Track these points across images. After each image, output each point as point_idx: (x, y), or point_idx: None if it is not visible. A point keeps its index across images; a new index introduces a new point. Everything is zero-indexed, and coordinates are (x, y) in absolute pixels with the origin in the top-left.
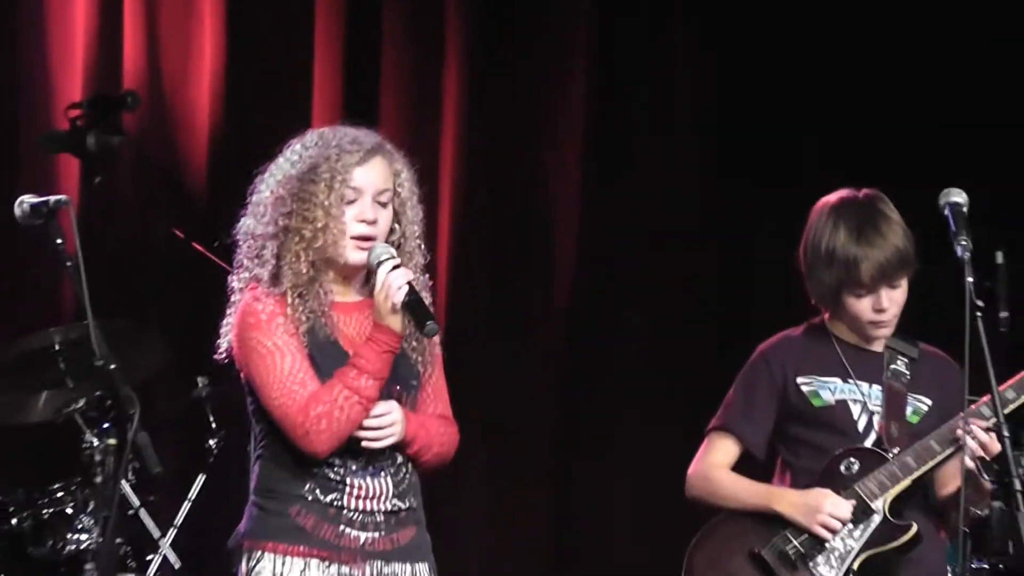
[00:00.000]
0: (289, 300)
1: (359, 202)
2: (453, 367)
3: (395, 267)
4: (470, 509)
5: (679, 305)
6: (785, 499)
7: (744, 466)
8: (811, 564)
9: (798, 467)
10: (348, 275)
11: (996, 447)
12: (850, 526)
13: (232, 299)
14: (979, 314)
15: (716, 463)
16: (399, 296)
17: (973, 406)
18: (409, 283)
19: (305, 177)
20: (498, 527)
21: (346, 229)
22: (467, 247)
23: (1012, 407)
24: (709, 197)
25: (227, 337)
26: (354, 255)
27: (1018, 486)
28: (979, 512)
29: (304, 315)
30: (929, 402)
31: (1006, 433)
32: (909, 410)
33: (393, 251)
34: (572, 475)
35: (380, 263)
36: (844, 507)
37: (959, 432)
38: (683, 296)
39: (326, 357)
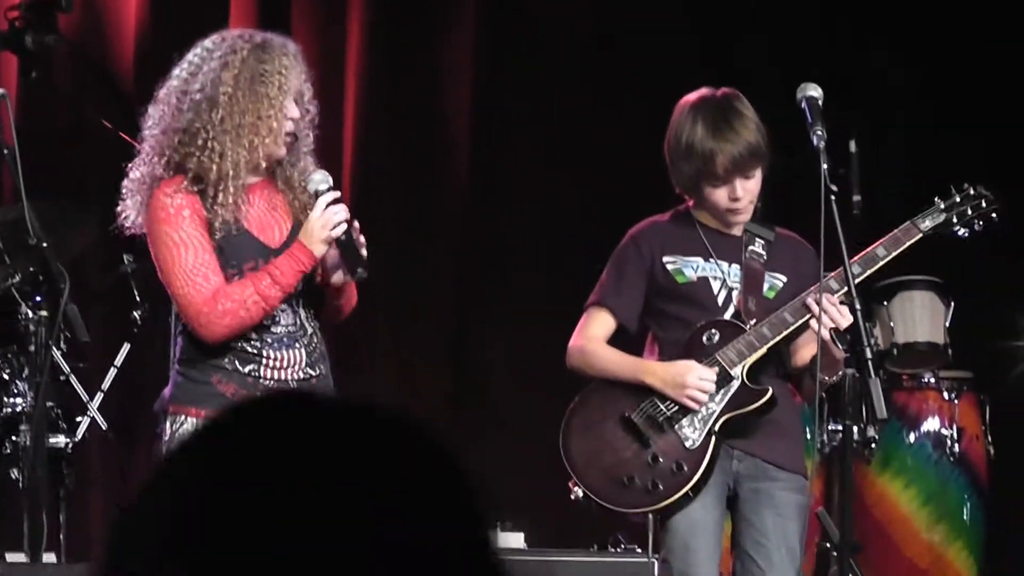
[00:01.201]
0: (211, 194)
1: (291, 102)
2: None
3: (336, 200)
4: (372, 379)
5: (571, 204)
6: (654, 372)
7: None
8: (676, 426)
9: (665, 339)
10: (259, 165)
11: (843, 319)
12: (712, 392)
13: (130, 179)
14: (833, 198)
15: (592, 336)
16: (337, 232)
17: (824, 280)
18: (348, 222)
19: (250, 78)
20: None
21: (284, 128)
22: (370, 152)
23: (860, 280)
24: (595, 106)
25: (130, 214)
26: (282, 151)
27: (868, 354)
28: (829, 379)
29: (221, 210)
30: (784, 279)
31: (857, 306)
32: (766, 286)
33: (331, 180)
34: (468, 343)
35: (319, 192)
36: (708, 377)
37: (810, 304)
38: (573, 194)
39: (235, 246)
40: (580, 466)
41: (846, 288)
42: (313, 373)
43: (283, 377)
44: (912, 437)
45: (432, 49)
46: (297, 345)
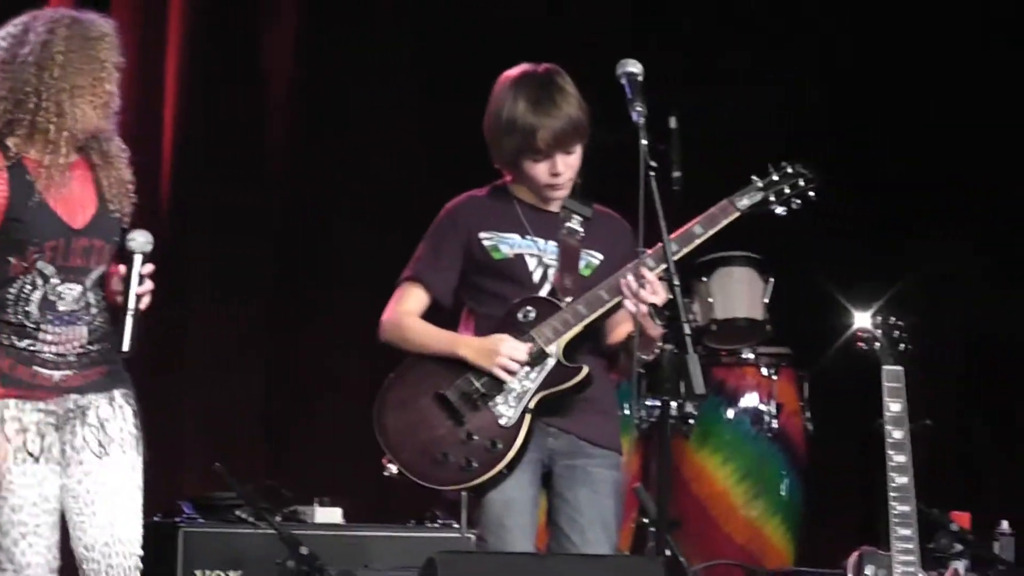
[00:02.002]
0: (40, 156)
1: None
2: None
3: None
4: (188, 356)
5: (387, 197)
6: (467, 344)
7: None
8: (491, 404)
9: (481, 315)
10: (78, 139)
11: (658, 296)
12: (527, 369)
13: None
14: (652, 174)
15: (406, 310)
16: (140, 304)
17: (640, 257)
18: (139, 297)
19: (81, 42)
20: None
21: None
22: (189, 142)
23: (677, 257)
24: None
25: None
26: (108, 123)
27: (686, 330)
28: (646, 356)
29: (46, 173)
30: (601, 257)
31: (676, 282)
32: (582, 264)
33: (152, 244)
34: (283, 320)
35: (139, 254)
36: (520, 349)
37: (625, 282)
38: (393, 177)
39: (37, 224)
40: (395, 442)
41: (664, 265)
42: (93, 348)
43: (62, 352)
44: (731, 413)
45: (253, 41)
46: (79, 323)
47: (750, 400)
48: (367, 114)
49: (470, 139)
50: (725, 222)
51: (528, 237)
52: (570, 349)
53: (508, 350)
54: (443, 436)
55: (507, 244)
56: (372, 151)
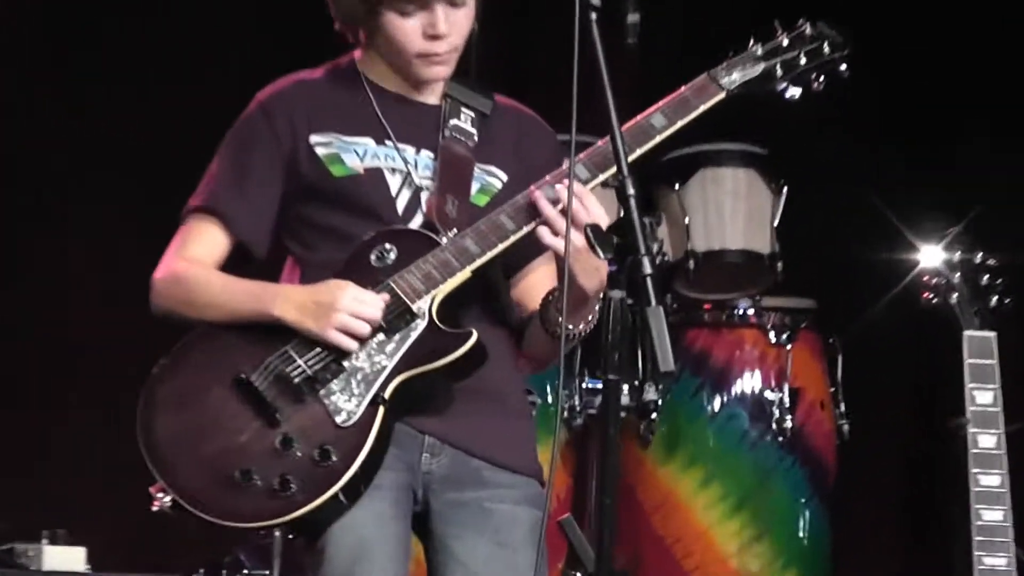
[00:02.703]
0: None
1: None
2: None
3: None
4: None
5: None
6: (286, 297)
7: None
8: (322, 392)
9: (313, 263)
10: None
11: (597, 215)
12: (381, 336)
13: None
14: (594, 16)
15: (194, 257)
16: None
17: (569, 164)
18: None
19: None
20: None
21: None
22: None
23: (631, 158)
24: None
25: None
26: None
27: (646, 268)
28: (578, 327)
29: None
30: (504, 177)
31: (630, 190)
32: (475, 186)
33: None
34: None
35: None
36: (372, 302)
37: (540, 200)
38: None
39: None
40: (168, 459)
41: (606, 172)
42: None
43: None
44: (716, 403)
45: None
46: None
47: (749, 383)
48: None
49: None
50: (702, 108)
51: (388, 143)
52: (449, 310)
53: (351, 303)
54: (244, 445)
55: (354, 153)
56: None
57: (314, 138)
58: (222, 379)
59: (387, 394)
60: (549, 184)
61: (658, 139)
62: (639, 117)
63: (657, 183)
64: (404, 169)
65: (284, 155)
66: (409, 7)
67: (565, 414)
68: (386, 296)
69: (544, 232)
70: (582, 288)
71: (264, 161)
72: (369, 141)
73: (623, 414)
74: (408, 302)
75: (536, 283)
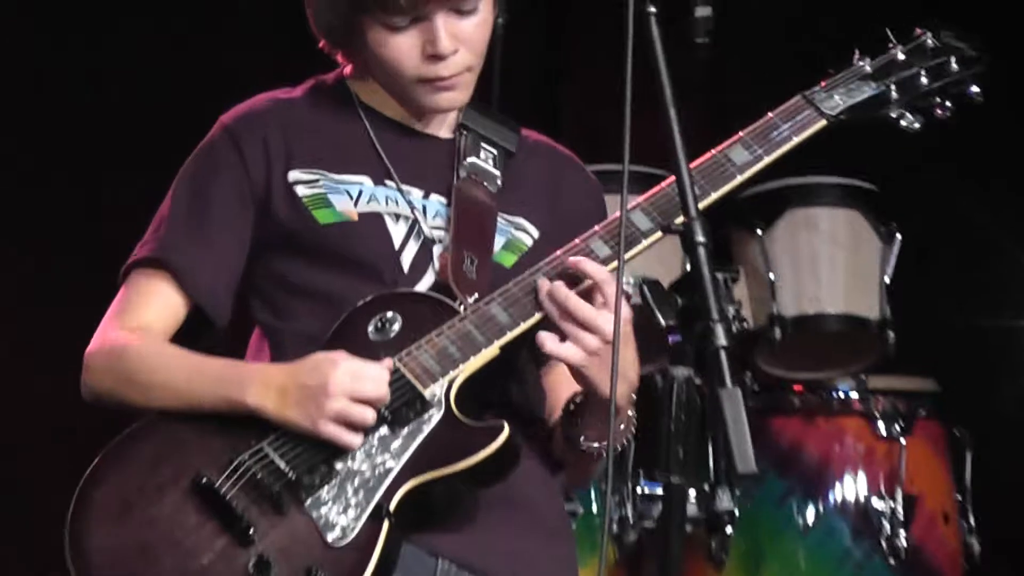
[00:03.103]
0: None
1: None
2: None
3: None
4: None
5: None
6: (264, 381)
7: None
8: (308, 502)
9: (289, 335)
10: None
11: (599, 318)
12: (384, 430)
13: None
14: (652, 10)
15: (140, 325)
16: None
17: (622, 199)
18: None
19: None
20: None
21: None
22: None
23: (704, 205)
24: None
25: None
26: None
27: (721, 338)
28: (604, 444)
29: None
30: (536, 232)
31: (700, 237)
32: (499, 241)
33: None
34: None
35: None
36: (376, 377)
37: (542, 289)
38: None
39: None
40: None
41: (647, 240)
42: None
43: None
44: (809, 514)
45: None
46: None
47: (851, 488)
48: None
49: None
50: (795, 141)
51: (390, 183)
52: (468, 399)
53: (348, 382)
54: (207, 569)
55: (346, 195)
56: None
57: (294, 174)
58: (178, 482)
59: (392, 505)
60: (599, 235)
61: (738, 180)
62: (714, 151)
63: (734, 227)
64: (410, 215)
65: (255, 193)
66: (398, 19)
67: (614, 527)
68: (389, 365)
69: (544, 340)
70: (602, 403)
71: (229, 199)
72: (365, 180)
73: (689, 528)
74: (419, 386)
75: (563, 381)
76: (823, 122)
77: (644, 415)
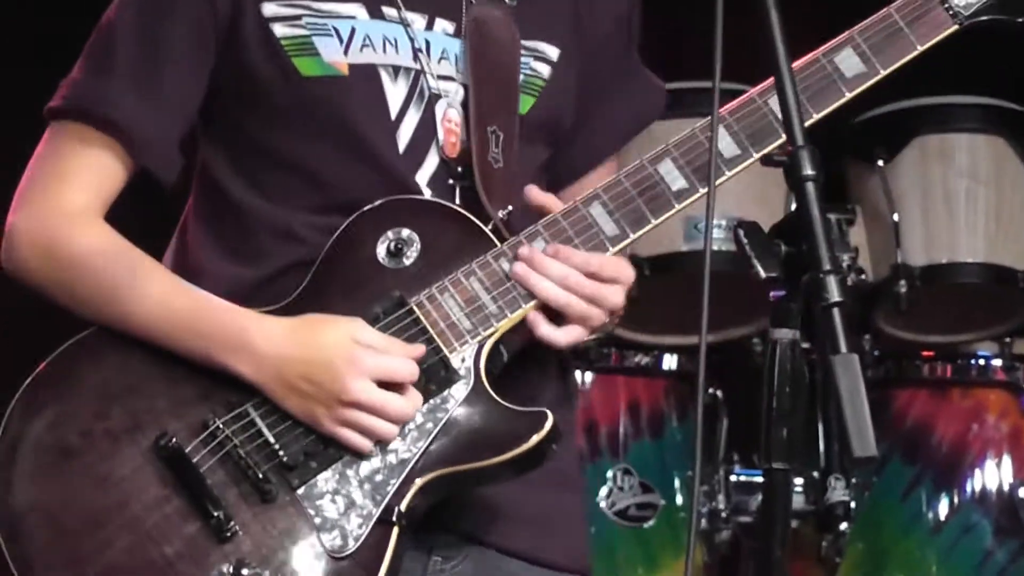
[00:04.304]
0: None
1: None
2: None
3: None
4: None
5: None
6: (259, 351)
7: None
8: (302, 490)
9: (262, 219)
10: None
11: (592, 309)
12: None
13: None
14: None
15: (82, 207)
16: None
17: (713, 119)
18: None
19: None
20: None
21: None
22: None
23: (815, 120)
24: None
25: None
26: None
27: (834, 294)
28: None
29: None
30: (554, 54)
31: (808, 170)
32: (521, 81)
33: None
34: None
35: None
36: (401, 358)
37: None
38: None
39: None
40: (36, 556)
41: (780, 143)
42: None
43: None
44: (942, 507)
45: None
46: None
47: (993, 476)
48: None
49: None
50: (921, 48)
51: (389, 13)
52: (492, 359)
53: (368, 392)
54: (172, 563)
55: (334, 35)
56: None
57: (271, 7)
58: (135, 435)
59: (404, 505)
60: (671, 156)
61: (849, 96)
62: (815, 54)
63: (850, 158)
64: (412, 65)
65: (220, 29)
66: None
67: (704, 522)
68: (420, 353)
69: (534, 322)
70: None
71: (185, 36)
72: (358, 11)
73: (795, 523)
74: (444, 348)
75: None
76: (954, 26)
77: (740, 387)
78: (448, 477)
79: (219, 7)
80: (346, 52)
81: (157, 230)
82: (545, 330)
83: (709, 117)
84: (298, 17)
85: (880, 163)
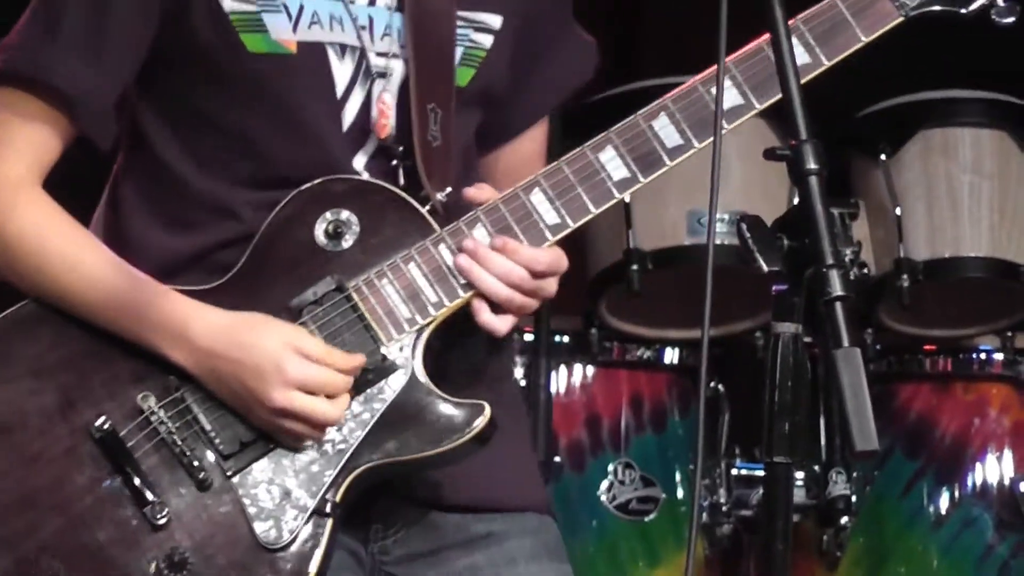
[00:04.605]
0: None
1: None
2: None
3: None
4: None
5: None
6: (191, 341)
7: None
8: (236, 479)
9: (195, 191)
10: None
11: (523, 299)
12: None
13: None
14: None
15: (19, 174)
16: None
17: (719, 65)
18: None
19: None
20: None
21: None
22: None
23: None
24: None
25: None
26: None
27: (837, 288)
28: None
29: None
30: (497, 22)
31: (811, 163)
32: (458, 53)
33: None
34: None
35: None
36: (335, 374)
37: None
38: None
39: None
40: None
41: (776, 99)
42: None
43: None
44: (943, 501)
45: None
46: None
47: (994, 470)
48: None
49: None
50: (865, 40)
51: None
52: (429, 348)
53: (303, 404)
54: (103, 549)
55: (283, 11)
56: None
57: None
58: (67, 413)
59: (339, 496)
60: (667, 108)
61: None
62: (759, 42)
63: (853, 152)
64: (357, 43)
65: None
66: None
67: (705, 516)
68: (360, 363)
69: (477, 309)
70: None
71: (134, 4)
72: None
73: (796, 517)
74: (382, 336)
75: (525, 161)
76: (900, 17)
77: (742, 381)
78: (385, 467)
79: None
80: (295, 29)
81: (82, 182)
82: (487, 318)
83: (652, 104)
84: None
85: (883, 157)
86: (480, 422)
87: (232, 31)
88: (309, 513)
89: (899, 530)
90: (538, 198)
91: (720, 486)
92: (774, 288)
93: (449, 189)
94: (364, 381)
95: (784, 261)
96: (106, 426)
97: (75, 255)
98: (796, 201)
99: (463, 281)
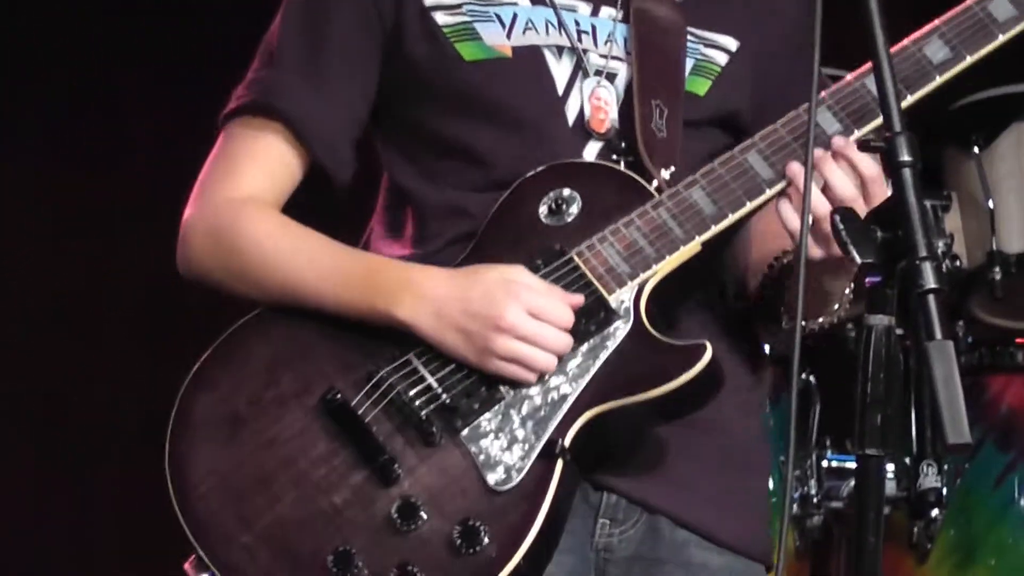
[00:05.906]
0: None
1: None
2: None
3: None
4: None
5: None
6: (419, 292)
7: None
8: (465, 432)
9: (434, 204)
10: None
11: (849, 189)
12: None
13: None
14: None
15: (251, 193)
16: None
17: (811, 105)
18: None
19: None
20: None
21: None
22: None
23: (906, 104)
24: None
25: None
26: None
27: (930, 280)
28: (819, 318)
29: None
30: (733, 45)
31: (905, 155)
32: (689, 64)
33: None
34: None
35: None
36: (560, 315)
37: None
38: None
39: None
40: (211, 519)
41: (877, 124)
42: None
43: None
44: None
45: None
46: None
47: None
48: None
49: None
50: (1006, 35)
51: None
52: (657, 303)
53: (524, 322)
54: (340, 511)
55: (497, 21)
56: None
57: None
58: (301, 397)
59: (568, 439)
60: (824, 105)
61: (938, 81)
62: (905, 42)
63: (945, 144)
64: (572, 43)
65: (384, 22)
66: None
67: (795, 508)
68: (578, 302)
69: (783, 210)
70: (823, 287)
71: (351, 31)
72: None
73: (887, 509)
74: (603, 291)
75: (769, 230)
76: (999, 39)
77: (835, 373)
78: (612, 413)
79: (381, 2)
80: (508, 35)
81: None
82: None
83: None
84: (459, 6)
85: (976, 149)
86: (705, 357)
87: (447, 43)
88: (537, 453)
89: (990, 523)
90: (754, 158)
91: (811, 477)
92: (867, 280)
93: (673, 168)
94: (586, 332)
95: (877, 253)
96: (337, 397)
97: (303, 246)
98: (890, 193)
99: (681, 235)
